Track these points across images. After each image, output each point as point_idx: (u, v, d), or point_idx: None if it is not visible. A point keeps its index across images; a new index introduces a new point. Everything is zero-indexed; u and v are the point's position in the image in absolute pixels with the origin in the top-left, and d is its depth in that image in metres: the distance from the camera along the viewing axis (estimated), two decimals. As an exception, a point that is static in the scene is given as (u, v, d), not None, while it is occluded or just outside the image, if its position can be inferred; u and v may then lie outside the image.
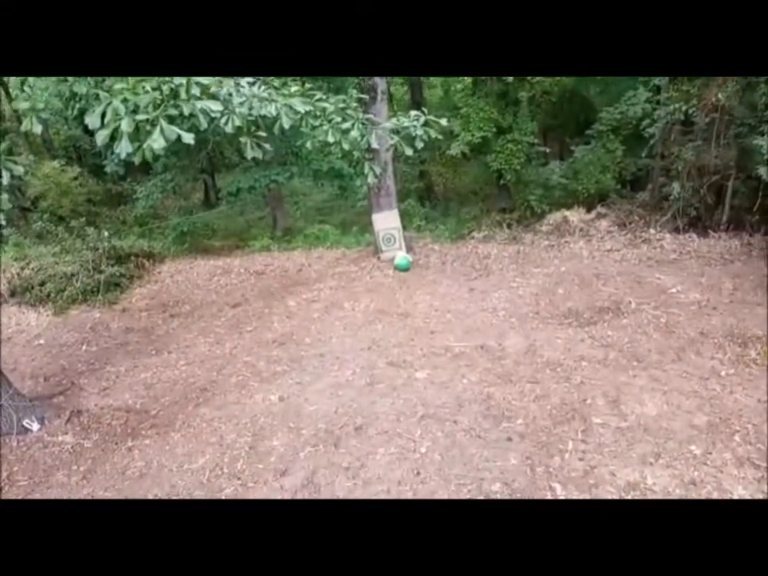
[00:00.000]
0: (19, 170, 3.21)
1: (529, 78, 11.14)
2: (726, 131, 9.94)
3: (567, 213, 11.87)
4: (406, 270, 10.14)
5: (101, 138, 2.83)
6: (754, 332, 6.48)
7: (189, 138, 2.87)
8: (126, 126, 2.74)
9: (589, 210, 11.93)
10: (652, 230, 10.54)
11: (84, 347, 8.59)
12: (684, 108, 10.03)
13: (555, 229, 11.54)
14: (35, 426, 6.20)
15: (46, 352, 8.53)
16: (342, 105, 3.72)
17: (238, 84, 3.33)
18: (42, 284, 10.30)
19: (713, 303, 7.44)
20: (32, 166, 14.12)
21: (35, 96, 3.04)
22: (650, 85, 12.52)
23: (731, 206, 10.09)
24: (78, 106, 3.57)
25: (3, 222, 3.26)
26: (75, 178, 15.46)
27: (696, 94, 10.00)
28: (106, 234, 11.28)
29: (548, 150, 13.77)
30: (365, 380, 6.38)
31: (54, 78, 3.06)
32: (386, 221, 10.72)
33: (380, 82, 10.08)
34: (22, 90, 3.10)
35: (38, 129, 3.10)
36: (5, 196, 3.39)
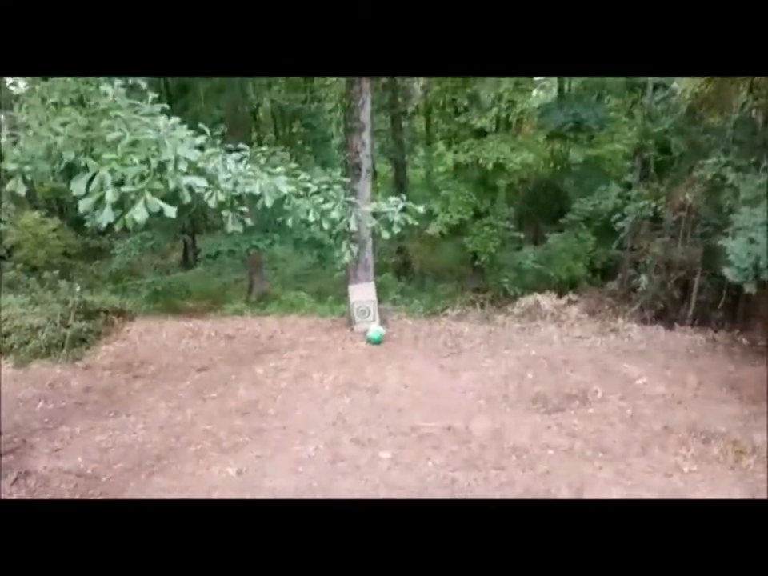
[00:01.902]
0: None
1: (507, 167, 11.64)
2: (692, 230, 10.42)
3: (539, 297, 12.10)
4: (378, 343, 10.12)
5: (84, 205, 2.86)
6: (718, 428, 6.55)
7: (171, 212, 2.92)
8: (110, 196, 2.78)
9: (560, 296, 12.20)
10: (620, 320, 10.78)
11: (41, 404, 8.27)
12: (653, 205, 10.53)
13: (527, 312, 11.73)
14: (-22, 486, 5.87)
15: (2, 406, 8.19)
16: (324, 186, 3.85)
17: (224, 160, 3.44)
18: (6, 335, 10.01)
19: (678, 397, 7.54)
20: (11, 216, 14.04)
21: (23, 158, 3.09)
22: (622, 181, 13.17)
23: (697, 301, 10.44)
24: (60, 156, 3.60)
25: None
26: (54, 230, 15.40)
27: (664, 193, 10.54)
28: (78, 288, 11.12)
29: (523, 236, 14.20)
30: (327, 457, 6.23)
31: (44, 144, 3.12)
32: (362, 293, 10.79)
33: (365, 161, 10.42)
34: (11, 152, 3.16)
35: (22, 190, 3.13)
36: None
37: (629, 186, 12.37)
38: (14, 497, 5.80)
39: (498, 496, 5.38)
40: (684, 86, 9.74)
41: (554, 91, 20.41)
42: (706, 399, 7.45)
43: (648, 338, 10.01)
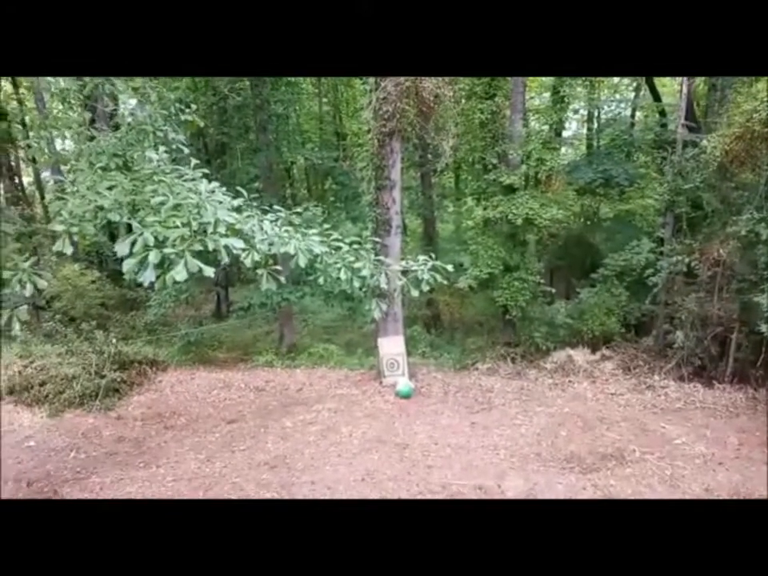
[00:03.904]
0: (43, 284, 3.36)
1: (536, 222, 11.69)
2: (727, 285, 10.24)
3: (572, 352, 11.92)
4: (407, 397, 10.06)
5: (128, 265, 3.00)
6: (760, 491, 6.27)
7: (210, 272, 3.04)
8: (153, 257, 2.91)
9: (593, 351, 12.00)
10: (656, 377, 10.52)
11: (73, 454, 8.39)
12: (687, 260, 10.41)
13: (560, 367, 11.55)
14: (8, 537, 5.92)
15: (34, 455, 8.33)
16: (356, 245, 3.96)
17: (261, 222, 3.59)
18: (42, 384, 10.27)
19: (718, 458, 7.27)
20: (53, 268, 14.59)
21: (71, 220, 3.27)
22: (654, 236, 13.08)
23: (735, 358, 10.14)
24: (106, 217, 3.77)
25: (19, 333, 3.37)
26: (93, 282, 15.89)
27: (698, 248, 10.42)
28: (114, 339, 11.40)
29: (554, 290, 14.11)
30: (356, 514, 6.13)
31: (91, 206, 3.31)
32: (392, 345, 10.81)
33: (395, 217, 10.65)
34: (60, 214, 3.35)
35: (69, 250, 3.31)
36: (24, 307, 3.51)
37: (661, 241, 12.28)
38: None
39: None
40: (714, 143, 9.75)
41: (583, 148, 20.67)
42: (747, 461, 7.16)
43: (686, 396, 9.73)
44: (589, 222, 17.76)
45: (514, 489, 6.61)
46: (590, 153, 18.43)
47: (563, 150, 20.67)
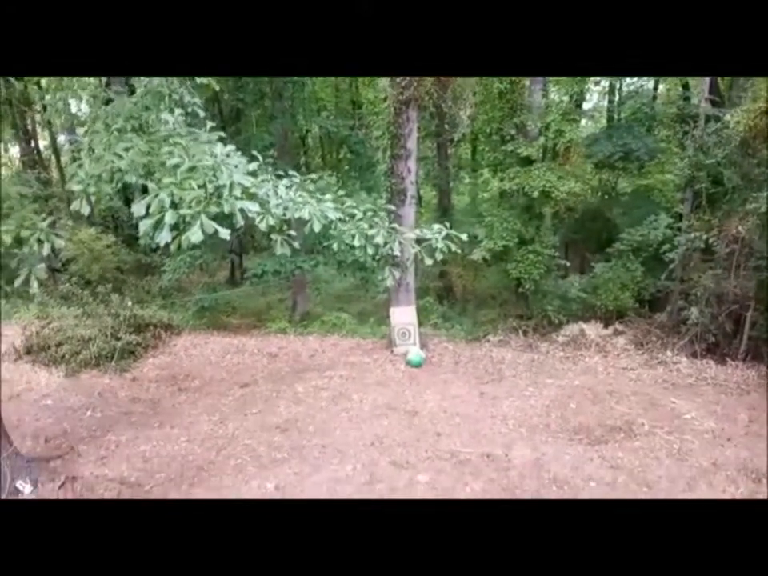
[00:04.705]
0: (60, 243, 3.40)
1: (553, 195, 11.58)
2: (745, 263, 10.11)
3: (584, 326, 11.91)
4: (418, 366, 10.13)
5: (144, 226, 3.04)
6: (769, 469, 6.29)
7: (225, 234, 3.07)
8: (169, 218, 2.94)
9: (606, 326, 11.97)
10: (669, 353, 10.49)
11: (89, 412, 8.58)
12: (705, 237, 10.28)
13: (571, 341, 11.55)
14: (27, 489, 6.10)
15: (52, 413, 8.53)
16: (370, 212, 3.96)
17: (276, 186, 3.59)
18: (59, 345, 10.45)
19: (727, 433, 7.27)
20: (69, 232, 14.71)
21: (88, 181, 3.30)
22: (672, 212, 12.91)
23: (749, 336, 10.07)
24: (122, 178, 3.79)
25: (36, 291, 3.43)
26: (108, 246, 16.05)
27: (716, 225, 10.28)
28: (129, 302, 11.55)
29: (568, 264, 14.03)
30: (365, 477, 6.26)
31: (108, 167, 3.33)
32: (403, 315, 10.86)
33: (410, 187, 10.57)
34: (77, 174, 3.38)
35: (86, 210, 3.35)
36: (42, 266, 3.57)
37: (679, 217, 12.12)
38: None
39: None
40: (737, 118, 9.52)
41: (603, 121, 20.28)
42: (757, 437, 7.16)
43: (697, 372, 9.71)
44: (606, 196, 17.52)
45: (521, 458, 6.68)
46: (610, 126, 18.07)
47: (583, 122, 20.28)
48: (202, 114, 4.10)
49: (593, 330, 11.75)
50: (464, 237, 4.31)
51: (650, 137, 15.79)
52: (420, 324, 11.17)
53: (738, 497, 5.75)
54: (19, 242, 3.43)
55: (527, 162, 12.05)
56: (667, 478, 6.17)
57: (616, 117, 18.70)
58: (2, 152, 22.63)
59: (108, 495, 6.17)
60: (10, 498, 5.95)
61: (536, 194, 11.57)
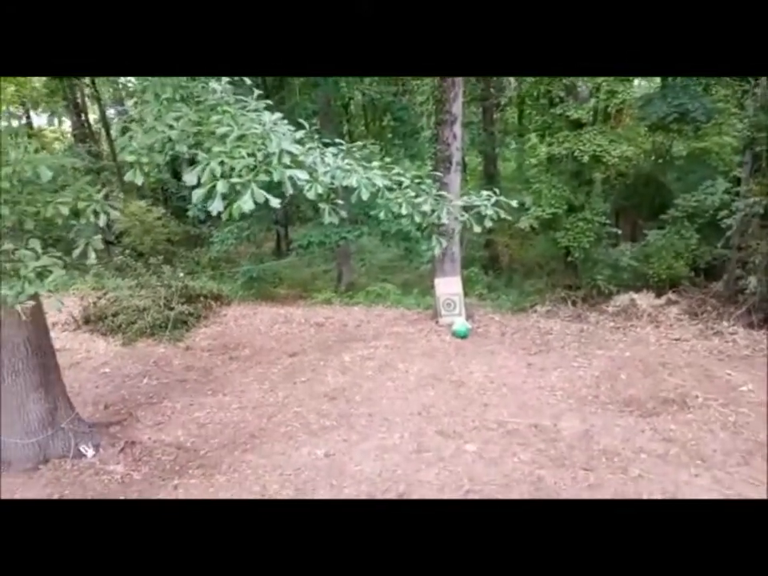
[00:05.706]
0: (116, 214, 3.48)
1: (604, 160, 11.18)
2: (809, 230, 9.62)
3: (636, 296, 11.58)
4: (463, 337, 10.08)
5: (197, 196, 3.06)
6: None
7: (276, 203, 3.07)
8: (221, 187, 2.96)
9: (659, 296, 11.61)
10: (725, 323, 10.12)
11: (145, 380, 8.91)
12: (764, 202, 9.78)
13: (622, 311, 11.26)
14: (90, 452, 6.41)
15: (110, 381, 8.90)
16: (417, 180, 3.90)
17: (323, 154, 3.57)
18: (115, 315, 10.84)
19: (787, 407, 7.01)
20: (121, 204, 15.13)
21: (140, 151, 3.35)
22: (730, 176, 12.30)
23: (811, 306, 9.63)
24: (170, 153, 3.84)
25: (94, 262, 3.53)
26: (159, 218, 16.45)
27: (778, 189, 9.77)
28: (181, 273, 11.85)
29: (619, 232, 13.59)
30: (412, 446, 6.31)
31: (159, 137, 3.37)
32: (448, 286, 10.77)
33: (455, 153, 10.36)
34: (129, 144, 3.43)
35: (140, 180, 3.40)
36: (98, 236, 3.66)
37: (738, 182, 11.53)
38: (120, 465, 6.30)
39: (586, 496, 5.24)
40: (806, 73, 8.95)
41: (657, 80, 19.33)
42: (818, 411, 6.87)
43: (755, 343, 9.34)
44: (660, 161, 16.77)
45: (569, 429, 6.60)
46: (664, 85, 17.15)
47: (636, 82, 19.37)
48: (248, 81, 4.08)
49: (644, 299, 11.41)
50: (514, 203, 4.20)
51: (707, 96, 14.94)
52: (465, 295, 11.07)
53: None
54: (76, 213, 3.53)
55: (577, 125, 11.64)
56: (722, 452, 6.00)
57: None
58: (56, 125, 23.28)
59: (166, 459, 6.42)
60: (74, 460, 6.27)
61: (586, 158, 11.18)
